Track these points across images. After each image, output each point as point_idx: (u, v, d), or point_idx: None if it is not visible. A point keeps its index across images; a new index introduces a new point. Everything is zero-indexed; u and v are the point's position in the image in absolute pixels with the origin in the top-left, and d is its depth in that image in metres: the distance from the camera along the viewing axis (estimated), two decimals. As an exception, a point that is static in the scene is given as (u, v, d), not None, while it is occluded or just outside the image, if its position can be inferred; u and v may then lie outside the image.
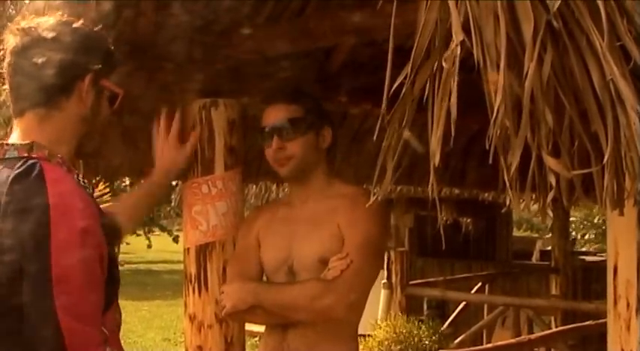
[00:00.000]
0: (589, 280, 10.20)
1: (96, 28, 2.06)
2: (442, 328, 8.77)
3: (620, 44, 1.71)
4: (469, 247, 13.52)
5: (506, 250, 13.79)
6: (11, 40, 1.96)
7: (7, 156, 1.89)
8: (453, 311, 9.42)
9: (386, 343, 8.15)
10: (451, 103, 1.67)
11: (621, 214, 1.82)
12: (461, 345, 8.23)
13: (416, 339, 8.16)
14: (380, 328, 8.40)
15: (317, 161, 2.79)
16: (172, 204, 13.98)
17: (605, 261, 2.46)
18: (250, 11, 3.25)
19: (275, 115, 2.78)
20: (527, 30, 1.68)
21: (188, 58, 3.20)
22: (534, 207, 1.98)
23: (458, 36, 1.68)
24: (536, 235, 20.30)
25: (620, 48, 1.71)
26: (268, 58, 3.37)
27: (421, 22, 1.80)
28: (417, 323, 8.44)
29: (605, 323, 2.43)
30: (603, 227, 17.90)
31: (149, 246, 25.94)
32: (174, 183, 4.47)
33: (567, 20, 1.72)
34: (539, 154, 1.68)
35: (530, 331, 8.36)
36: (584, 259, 12.53)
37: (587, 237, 21.78)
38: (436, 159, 1.71)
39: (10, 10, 3.04)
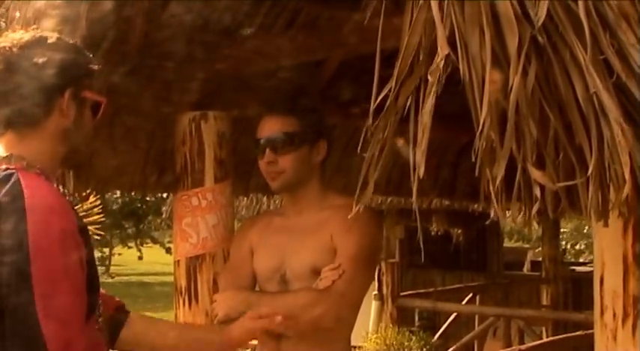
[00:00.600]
0: (579, 291, 10.23)
1: (71, 41, 2.05)
2: (433, 340, 8.76)
3: (603, 58, 1.74)
4: (460, 258, 13.54)
5: (497, 260, 13.80)
6: None
7: None
8: (444, 322, 9.42)
9: (377, 354, 8.15)
10: (425, 114, 1.69)
11: (606, 225, 1.84)
12: (452, 356, 8.24)
13: (407, 350, 8.16)
14: (371, 339, 8.39)
15: (310, 174, 2.78)
16: (163, 216, 13.99)
17: (595, 271, 2.48)
18: (238, 26, 3.28)
19: (270, 128, 2.74)
20: (512, 44, 1.70)
21: (177, 71, 3.22)
22: (520, 218, 1.99)
23: (443, 50, 1.70)
24: (527, 246, 20.32)
25: (603, 61, 1.73)
26: (258, 71, 3.40)
27: (406, 36, 1.82)
28: (408, 334, 8.43)
29: (595, 333, 2.45)
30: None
31: (140, 258, 25.89)
32: (164, 195, 4.47)
33: (551, 34, 1.75)
34: (524, 166, 1.70)
35: (522, 342, 8.36)
36: (574, 270, 12.55)
37: (577, 247, 21.83)
38: (421, 171, 1.73)
39: (2, 22, 3.03)
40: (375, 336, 8.44)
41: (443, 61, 1.70)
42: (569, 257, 19.64)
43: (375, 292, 9.29)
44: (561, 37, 1.74)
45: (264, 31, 3.53)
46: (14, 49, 1.91)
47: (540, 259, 11.47)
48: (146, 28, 3.16)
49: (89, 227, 2.03)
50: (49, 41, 1.95)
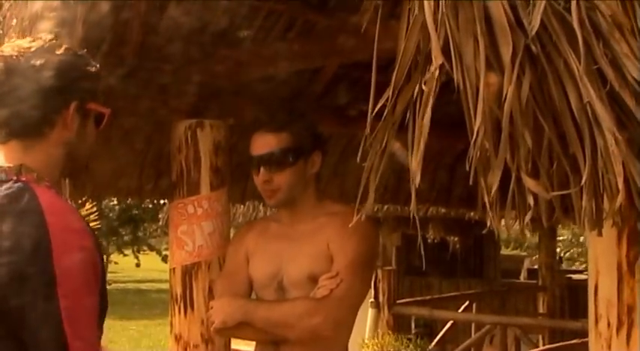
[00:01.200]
0: (576, 299, 10.22)
1: (80, 52, 2.03)
2: (430, 347, 8.75)
3: (597, 67, 1.74)
4: (457, 265, 13.53)
5: (494, 268, 13.80)
6: None
7: None
8: (441, 330, 9.40)
9: (374, 362, 8.13)
10: (424, 124, 1.70)
11: (599, 234, 1.85)
12: (449, 364, 8.23)
13: (403, 358, 8.15)
14: (368, 346, 8.38)
15: (305, 186, 2.76)
16: (160, 223, 13.99)
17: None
18: (235, 33, 3.29)
19: (262, 145, 2.71)
20: (506, 53, 1.71)
21: (173, 78, 3.22)
22: (516, 226, 2.00)
23: (437, 59, 1.71)
24: (524, 254, 20.33)
25: (596, 71, 1.74)
26: (254, 78, 3.40)
27: (402, 46, 1.82)
28: (404, 342, 8.42)
29: (592, 342, 2.45)
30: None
31: (137, 265, 25.86)
32: (161, 202, 4.48)
33: (545, 44, 1.76)
34: (518, 175, 1.70)
35: (518, 350, 8.37)
36: (571, 278, 12.55)
37: (572, 254, 21.83)
38: (417, 180, 1.73)
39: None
40: (371, 343, 8.43)
41: (437, 71, 1.71)
42: (566, 265, 19.64)
43: (372, 299, 9.28)
44: (555, 47, 1.75)
45: (261, 38, 3.54)
46: (21, 58, 1.88)
47: (537, 266, 11.47)
48: (142, 34, 3.17)
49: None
50: (58, 51, 1.92)
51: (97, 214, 8.71)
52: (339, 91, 4.18)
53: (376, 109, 1.85)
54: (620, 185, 1.66)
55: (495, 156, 1.68)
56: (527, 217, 1.72)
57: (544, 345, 8.41)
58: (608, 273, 2.36)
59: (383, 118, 1.85)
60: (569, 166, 1.73)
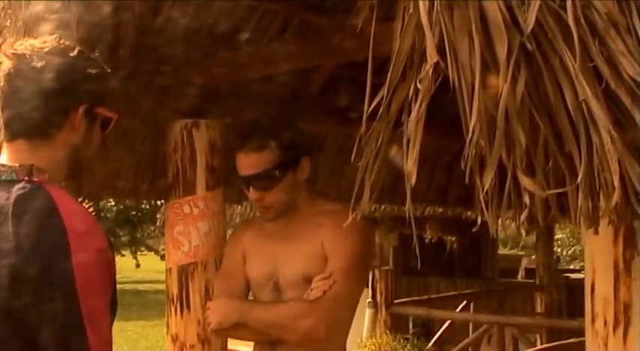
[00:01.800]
0: (573, 298, 10.22)
1: (92, 55, 1.98)
2: (427, 347, 8.75)
3: (593, 65, 1.74)
4: (454, 265, 13.55)
5: (492, 268, 13.82)
6: (4, 64, 1.88)
7: (2, 178, 1.86)
8: (439, 329, 9.40)
9: (371, 362, 8.13)
10: (419, 123, 1.69)
11: (596, 233, 1.84)
12: (446, 363, 8.23)
13: (401, 358, 8.15)
14: (365, 346, 8.37)
15: (298, 191, 2.75)
16: (157, 223, 13.98)
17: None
18: (232, 33, 3.28)
19: (248, 166, 2.69)
20: (502, 51, 1.70)
21: (169, 79, 3.22)
22: (512, 225, 1.99)
23: (432, 57, 1.70)
24: (521, 253, 20.33)
25: (592, 69, 1.73)
26: (250, 78, 3.40)
27: (397, 44, 1.82)
28: (402, 342, 8.42)
29: (590, 341, 2.45)
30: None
31: (137, 265, 25.82)
32: (159, 202, 4.48)
33: (540, 42, 1.75)
34: (514, 174, 1.70)
35: (516, 349, 8.36)
36: (568, 277, 12.56)
37: (570, 253, 21.87)
38: (412, 179, 1.73)
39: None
40: (369, 343, 8.42)
41: (432, 69, 1.70)
42: (564, 263, 19.65)
43: (369, 299, 9.28)
44: (551, 45, 1.74)
45: (258, 38, 3.53)
46: (35, 57, 1.86)
47: (534, 266, 11.48)
48: (138, 36, 3.16)
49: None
50: (71, 53, 1.91)
51: (94, 214, 8.70)
52: (335, 91, 4.18)
53: (371, 108, 1.84)
54: (617, 183, 1.66)
55: (490, 154, 1.68)
56: (523, 216, 1.71)
57: (542, 344, 8.40)
58: (605, 271, 2.36)
59: (378, 117, 1.84)
60: (565, 164, 1.72)
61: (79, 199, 4.11)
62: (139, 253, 26.38)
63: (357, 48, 2.79)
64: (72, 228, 1.73)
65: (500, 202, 1.75)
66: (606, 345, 2.35)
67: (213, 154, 3.25)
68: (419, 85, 1.72)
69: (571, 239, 21.93)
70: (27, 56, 1.87)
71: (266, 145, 2.65)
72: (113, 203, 21.88)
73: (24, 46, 1.90)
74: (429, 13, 1.76)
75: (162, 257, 22.93)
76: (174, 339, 3.22)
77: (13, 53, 1.88)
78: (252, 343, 2.89)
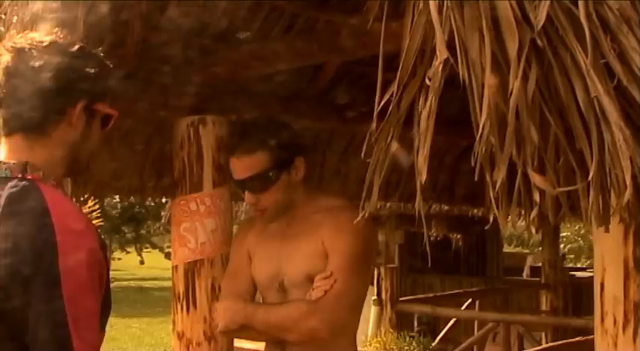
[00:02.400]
0: (579, 296, 10.21)
1: (94, 51, 1.97)
2: (433, 345, 8.75)
3: (604, 62, 1.72)
4: (459, 263, 13.54)
5: (497, 266, 13.80)
6: (3, 58, 1.87)
7: None
8: (444, 327, 9.40)
9: (377, 359, 8.13)
10: (425, 119, 1.68)
11: (607, 230, 1.83)
12: (451, 361, 8.22)
13: (406, 355, 8.15)
14: (370, 344, 8.38)
15: (295, 190, 2.73)
16: (162, 220, 14.00)
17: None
18: (236, 30, 3.27)
19: (241, 170, 2.67)
20: (512, 48, 1.69)
21: (174, 76, 3.20)
22: (521, 223, 1.98)
23: (442, 54, 1.69)
24: (527, 251, 20.32)
25: (604, 66, 1.72)
26: (255, 75, 3.39)
27: (406, 41, 1.80)
28: (407, 339, 8.43)
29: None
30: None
31: (141, 262, 25.89)
32: (164, 200, 4.47)
33: (552, 38, 1.73)
34: (524, 171, 1.68)
35: (521, 347, 8.35)
36: (574, 275, 12.54)
37: (575, 249, 21.85)
38: (423, 176, 1.71)
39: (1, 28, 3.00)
40: (374, 341, 8.43)
41: (442, 66, 1.69)
42: (568, 262, 19.63)
43: (375, 297, 9.28)
44: (562, 41, 1.73)
45: (262, 35, 3.52)
46: (34, 51, 1.84)
47: (540, 264, 11.46)
48: (143, 33, 3.15)
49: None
50: (71, 48, 1.89)
51: (99, 211, 8.72)
52: (341, 88, 4.17)
53: (381, 105, 1.83)
54: (628, 181, 1.64)
55: (501, 151, 1.66)
56: (534, 214, 1.70)
57: (547, 342, 8.39)
58: (615, 270, 2.35)
59: (388, 114, 1.83)
60: (576, 161, 1.71)
61: (85, 197, 4.11)
62: (143, 250, 26.46)
63: (363, 45, 2.78)
64: (62, 227, 1.70)
65: (510, 200, 1.74)
66: (615, 344, 2.33)
67: (219, 150, 3.23)
68: (428, 82, 1.71)
69: (576, 237, 21.91)
70: (26, 50, 1.84)
71: (258, 148, 2.62)
72: (118, 200, 21.92)
73: (24, 39, 1.87)
74: (439, 9, 1.75)
75: (167, 255, 23.09)
76: (181, 336, 3.21)
77: (12, 46, 1.86)
78: (261, 342, 2.89)
